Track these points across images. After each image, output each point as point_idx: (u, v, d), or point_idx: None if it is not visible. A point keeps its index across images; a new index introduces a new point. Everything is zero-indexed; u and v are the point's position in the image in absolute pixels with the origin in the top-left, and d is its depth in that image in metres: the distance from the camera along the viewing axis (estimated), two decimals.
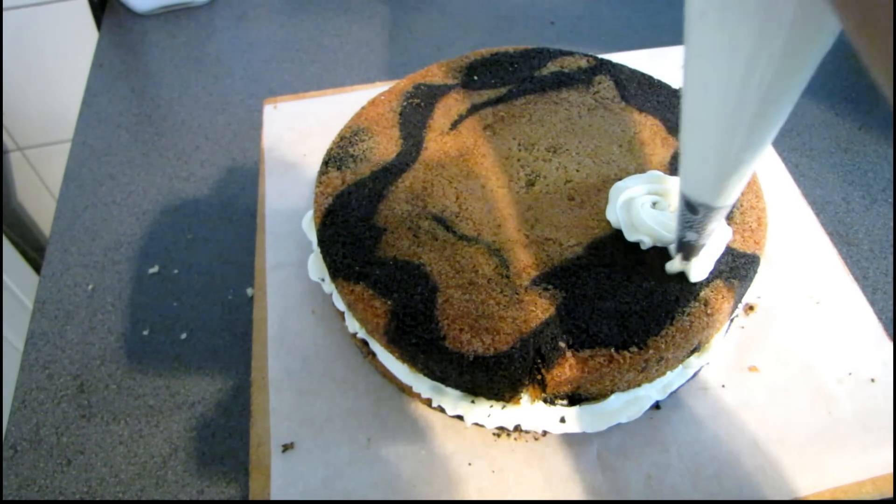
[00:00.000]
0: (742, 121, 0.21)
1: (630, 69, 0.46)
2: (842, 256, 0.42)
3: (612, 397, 0.33)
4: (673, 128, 0.42)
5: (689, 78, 0.22)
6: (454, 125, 0.43)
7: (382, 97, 0.45)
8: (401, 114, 0.43)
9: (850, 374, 0.37)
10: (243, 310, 0.47)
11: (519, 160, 0.40)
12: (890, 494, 0.33)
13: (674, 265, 0.33)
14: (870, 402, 0.36)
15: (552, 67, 0.46)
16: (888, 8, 0.11)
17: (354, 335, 0.38)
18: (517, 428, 0.35)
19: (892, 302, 0.45)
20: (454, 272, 0.34)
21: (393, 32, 0.72)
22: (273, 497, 0.33)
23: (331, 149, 0.42)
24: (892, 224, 0.50)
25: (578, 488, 0.33)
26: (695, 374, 0.36)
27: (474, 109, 0.44)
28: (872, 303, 0.40)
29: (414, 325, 0.32)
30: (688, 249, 0.31)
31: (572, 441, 0.35)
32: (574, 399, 0.33)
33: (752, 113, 0.20)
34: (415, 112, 0.44)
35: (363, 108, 0.44)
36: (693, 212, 0.28)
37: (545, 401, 0.33)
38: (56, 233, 0.53)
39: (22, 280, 0.86)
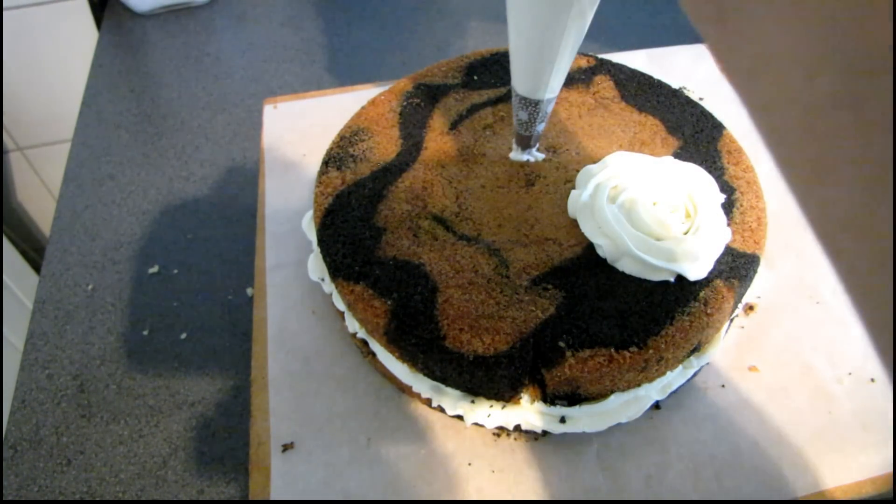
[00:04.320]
0: (545, 32, 0.30)
1: (630, 69, 0.46)
2: None
3: (612, 397, 0.33)
4: (673, 128, 0.42)
5: (510, 7, 0.30)
6: (454, 125, 0.43)
7: (382, 97, 0.45)
8: (401, 114, 0.43)
9: (850, 374, 0.37)
10: (243, 310, 0.47)
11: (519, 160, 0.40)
12: (890, 494, 0.33)
13: (515, 154, 0.39)
14: (870, 402, 0.36)
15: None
16: None
17: (354, 335, 0.38)
18: (517, 428, 0.35)
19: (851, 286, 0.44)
20: (454, 272, 0.34)
21: (393, 32, 0.72)
22: (273, 497, 0.33)
23: (331, 149, 0.41)
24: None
25: (578, 488, 0.33)
26: (695, 374, 0.36)
27: (474, 109, 0.44)
28: None
29: (414, 325, 0.32)
30: (522, 140, 0.38)
31: (572, 441, 0.35)
32: (574, 399, 0.33)
33: (550, 26, 0.29)
34: (415, 112, 0.44)
35: (363, 108, 0.44)
36: (522, 105, 0.35)
37: (545, 401, 0.33)
38: (56, 233, 0.53)
39: (22, 280, 0.86)
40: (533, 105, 0.35)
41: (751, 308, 0.40)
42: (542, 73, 0.32)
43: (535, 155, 0.40)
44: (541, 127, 0.37)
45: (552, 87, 0.34)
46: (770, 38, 0.12)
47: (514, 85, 0.35)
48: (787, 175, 0.13)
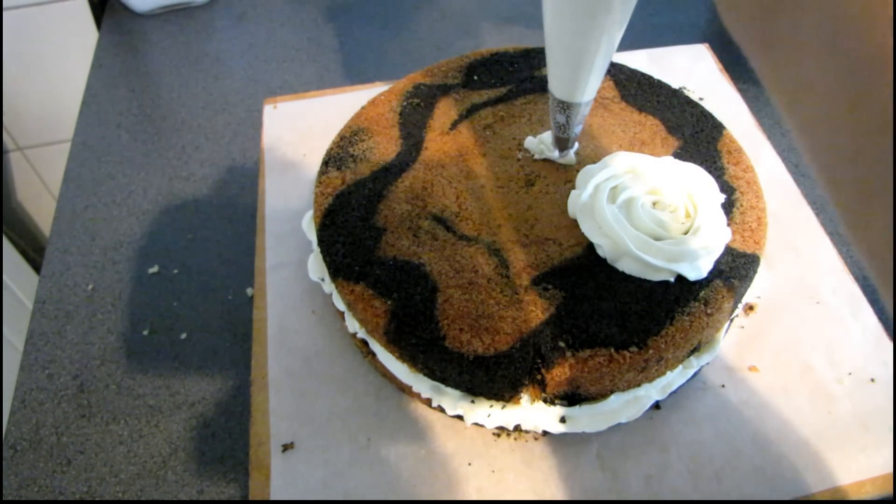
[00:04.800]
0: (581, 40, 0.30)
1: (630, 69, 0.46)
2: (842, 256, 0.42)
3: (612, 397, 0.33)
4: (673, 128, 0.42)
5: (546, 9, 0.30)
6: (454, 125, 0.43)
7: (382, 97, 0.45)
8: (401, 114, 0.43)
9: (850, 374, 0.37)
10: (243, 310, 0.47)
11: (519, 160, 0.40)
12: (890, 494, 0.33)
13: (545, 152, 0.40)
14: (870, 402, 0.36)
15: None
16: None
17: (354, 335, 0.38)
18: (517, 428, 0.35)
19: (892, 302, 0.44)
20: (454, 272, 0.34)
21: (393, 32, 0.72)
22: (273, 497, 0.33)
23: (331, 149, 0.41)
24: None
25: (578, 488, 0.33)
26: (695, 374, 0.36)
27: (474, 109, 0.44)
28: (872, 303, 0.40)
29: (414, 325, 0.32)
30: (560, 143, 0.38)
31: (572, 441, 0.35)
32: (574, 399, 0.33)
33: (588, 35, 0.30)
34: (415, 112, 0.44)
35: (363, 108, 0.44)
36: (560, 108, 0.35)
37: (545, 401, 0.33)
38: (56, 233, 0.53)
39: (22, 280, 0.86)
40: (570, 108, 0.35)
41: (751, 308, 0.40)
42: (578, 78, 0.33)
43: (571, 157, 0.40)
44: (578, 129, 0.37)
45: (589, 91, 0.34)
46: (813, 64, 0.12)
47: (550, 89, 0.35)
48: (833, 197, 0.14)
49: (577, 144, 0.40)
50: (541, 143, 0.40)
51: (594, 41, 0.30)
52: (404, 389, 0.37)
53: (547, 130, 0.40)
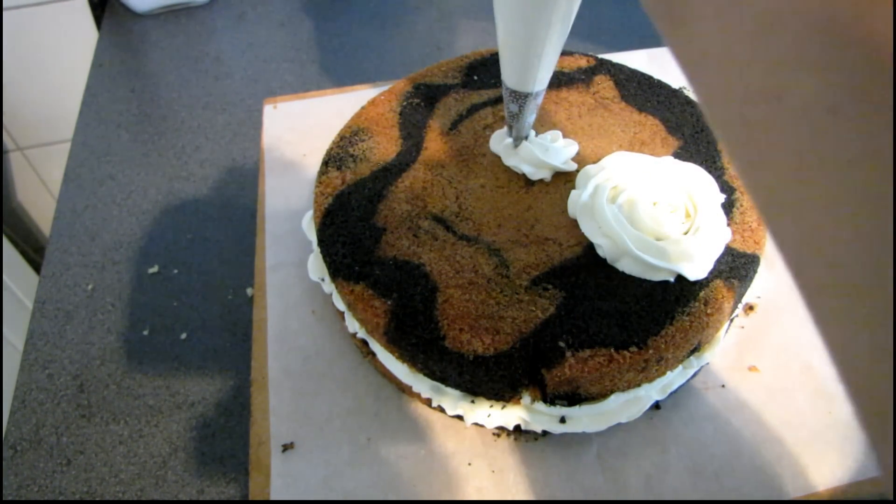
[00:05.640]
0: (530, 28, 0.31)
1: (630, 69, 0.46)
2: None
3: (612, 397, 0.33)
4: (673, 128, 0.42)
5: (496, 2, 0.31)
6: (454, 125, 0.43)
7: (382, 97, 0.45)
8: (401, 114, 0.43)
9: None
10: (243, 310, 0.47)
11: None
12: (890, 494, 0.33)
13: (502, 143, 0.40)
14: None
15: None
16: None
17: (354, 335, 0.38)
18: (517, 428, 0.35)
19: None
20: (454, 272, 0.34)
21: (393, 32, 0.72)
22: (273, 497, 0.33)
23: (331, 149, 0.41)
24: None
25: (578, 488, 0.33)
26: (695, 374, 0.36)
27: (474, 109, 0.44)
28: None
29: (414, 325, 0.32)
30: (514, 130, 0.38)
31: (572, 441, 0.35)
32: (574, 399, 0.33)
33: (535, 21, 0.30)
34: (415, 112, 0.44)
35: (363, 108, 0.44)
36: (513, 98, 0.36)
37: (545, 401, 0.33)
38: (56, 233, 0.53)
39: (22, 280, 0.86)
40: (522, 98, 0.35)
41: (751, 308, 0.40)
42: (529, 67, 0.33)
43: (571, 164, 0.39)
44: (531, 118, 0.37)
45: (540, 80, 0.34)
46: (717, 36, 0.13)
47: (503, 78, 0.35)
48: (737, 167, 0.14)
49: (529, 134, 0.39)
50: (499, 142, 0.40)
51: (543, 28, 0.31)
52: (404, 389, 0.37)
53: (503, 132, 0.40)
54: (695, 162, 0.38)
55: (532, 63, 0.33)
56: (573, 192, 0.37)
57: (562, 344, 0.31)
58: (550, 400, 0.33)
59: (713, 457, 0.34)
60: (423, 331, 0.32)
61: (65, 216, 0.54)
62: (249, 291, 0.48)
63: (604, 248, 0.34)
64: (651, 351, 0.31)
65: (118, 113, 0.64)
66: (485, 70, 0.46)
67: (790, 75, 0.11)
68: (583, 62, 0.46)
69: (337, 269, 0.35)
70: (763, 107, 0.12)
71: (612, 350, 0.31)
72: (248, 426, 0.36)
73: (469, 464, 0.34)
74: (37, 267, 0.92)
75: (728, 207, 0.37)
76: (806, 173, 0.11)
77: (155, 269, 0.50)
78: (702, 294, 0.33)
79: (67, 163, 0.59)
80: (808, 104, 0.11)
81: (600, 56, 0.48)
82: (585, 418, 0.34)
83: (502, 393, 0.33)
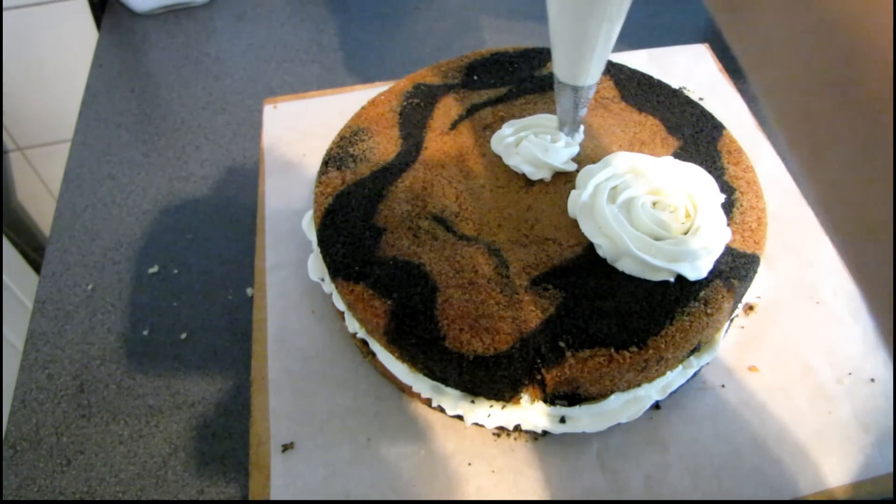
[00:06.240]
0: (584, 24, 0.31)
1: (630, 69, 0.46)
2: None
3: (612, 397, 0.33)
4: (673, 128, 0.42)
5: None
6: (454, 125, 0.43)
7: (382, 97, 0.45)
8: (401, 114, 0.43)
9: (849, 374, 0.37)
10: (243, 310, 0.47)
11: None
12: (890, 494, 0.33)
13: (502, 143, 0.40)
14: (870, 402, 0.36)
15: (552, 67, 0.46)
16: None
17: (354, 335, 0.38)
18: (517, 428, 0.35)
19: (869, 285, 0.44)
20: (454, 272, 0.34)
21: (393, 32, 0.72)
22: (273, 497, 0.33)
23: (331, 149, 0.42)
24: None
25: (578, 488, 0.33)
26: (695, 374, 0.36)
27: (474, 109, 0.44)
28: None
29: (414, 325, 0.32)
30: (566, 125, 0.39)
31: (572, 441, 0.35)
32: (574, 399, 0.33)
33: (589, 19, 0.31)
34: (415, 112, 0.44)
35: (363, 108, 0.44)
36: (564, 91, 0.36)
37: (545, 401, 0.33)
38: (56, 233, 0.53)
39: (22, 280, 0.86)
40: (575, 91, 0.36)
41: (751, 308, 0.40)
42: (581, 61, 0.33)
43: (571, 164, 0.39)
44: (583, 112, 0.38)
45: (593, 74, 0.35)
46: (776, 28, 0.12)
47: (555, 72, 0.36)
48: (793, 154, 0.14)
49: (582, 135, 0.40)
50: (499, 142, 0.40)
51: (596, 23, 0.31)
52: (404, 389, 0.37)
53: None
54: (695, 162, 0.38)
55: (585, 56, 0.33)
56: (573, 192, 0.37)
57: (562, 344, 0.31)
58: (550, 400, 0.33)
59: (713, 457, 0.34)
60: (423, 331, 0.32)
61: (65, 216, 0.54)
62: (249, 291, 0.48)
63: (604, 248, 0.34)
64: (651, 351, 0.31)
65: (118, 113, 0.64)
66: (485, 70, 0.46)
67: (853, 69, 0.11)
68: None
69: (337, 269, 0.35)
70: (827, 99, 0.12)
71: (612, 350, 0.31)
72: (248, 426, 0.36)
73: (469, 464, 0.34)
74: (37, 267, 0.92)
75: (728, 207, 0.37)
76: (870, 166, 0.11)
77: (155, 269, 0.50)
78: (702, 294, 0.33)
79: (67, 163, 0.59)
80: (873, 97, 0.11)
81: None
82: (585, 418, 0.34)
83: (502, 393, 0.33)
